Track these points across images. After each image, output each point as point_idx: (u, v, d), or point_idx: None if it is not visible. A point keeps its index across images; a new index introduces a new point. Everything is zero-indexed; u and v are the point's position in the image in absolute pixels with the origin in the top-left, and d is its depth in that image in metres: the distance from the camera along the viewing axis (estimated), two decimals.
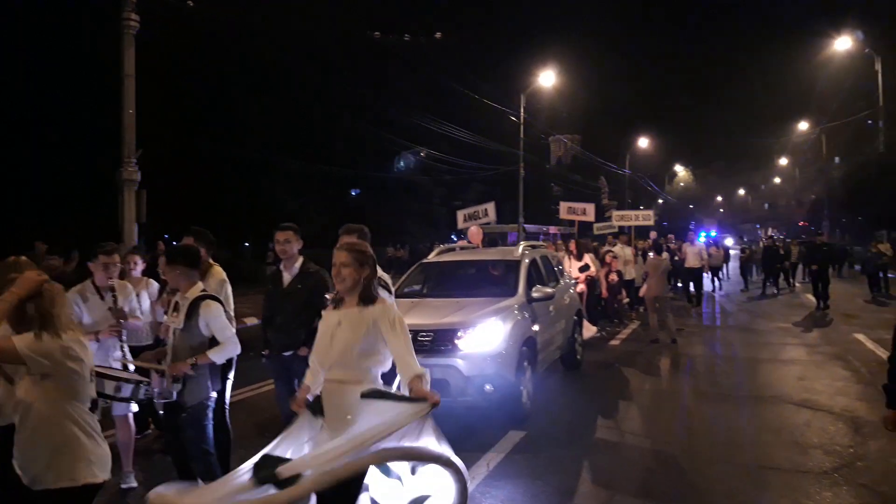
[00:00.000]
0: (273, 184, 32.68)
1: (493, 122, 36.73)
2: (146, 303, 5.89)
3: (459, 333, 6.34)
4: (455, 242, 17.34)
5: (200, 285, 4.38)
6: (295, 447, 3.15)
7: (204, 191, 31.28)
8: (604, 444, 6.08)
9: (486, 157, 38.07)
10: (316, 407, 3.32)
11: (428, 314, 6.78)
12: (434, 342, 6.33)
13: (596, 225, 19.86)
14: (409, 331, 6.21)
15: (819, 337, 11.85)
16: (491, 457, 5.61)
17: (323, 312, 3.53)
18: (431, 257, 8.86)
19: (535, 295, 7.46)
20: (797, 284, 21.77)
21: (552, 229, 36.12)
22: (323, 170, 32.47)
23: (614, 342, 11.61)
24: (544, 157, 46.20)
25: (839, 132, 41.66)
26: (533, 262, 8.30)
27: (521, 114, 32.66)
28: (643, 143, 57.36)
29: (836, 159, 46.57)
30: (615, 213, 22.04)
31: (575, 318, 9.35)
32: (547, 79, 32.84)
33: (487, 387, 6.18)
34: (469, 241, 10.31)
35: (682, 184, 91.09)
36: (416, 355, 6.30)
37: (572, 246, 12.48)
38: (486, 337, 6.37)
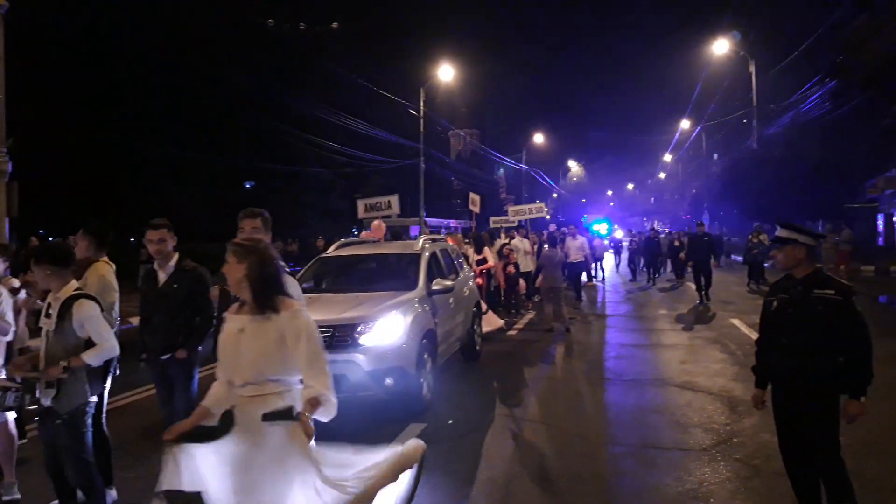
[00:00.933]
0: (161, 176, 31.13)
1: (394, 116, 36.64)
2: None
3: (359, 328, 6.32)
4: (356, 236, 17.13)
5: (74, 284, 4.10)
6: (195, 477, 2.91)
7: (85, 183, 29.40)
8: (502, 432, 6.21)
9: (387, 151, 37.92)
10: (226, 422, 3.00)
11: (327, 309, 6.67)
12: (333, 338, 6.25)
13: (492, 219, 20.24)
14: None
15: (699, 323, 12.62)
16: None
17: (225, 315, 3.18)
18: (331, 251, 8.77)
19: (435, 288, 7.52)
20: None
21: (453, 223, 36.55)
22: (214, 161, 31.19)
23: (512, 332, 11.88)
24: (445, 152, 46.55)
25: (717, 130, 44.58)
26: (433, 256, 8.37)
27: (421, 107, 32.76)
28: (538, 138, 59.02)
29: (715, 155, 49.79)
30: (511, 208, 22.54)
31: (474, 309, 9.47)
32: (446, 73, 33.10)
33: (388, 380, 6.21)
34: (371, 234, 10.28)
35: (574, 178, 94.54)
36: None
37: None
38: (386, 331, 6.37)
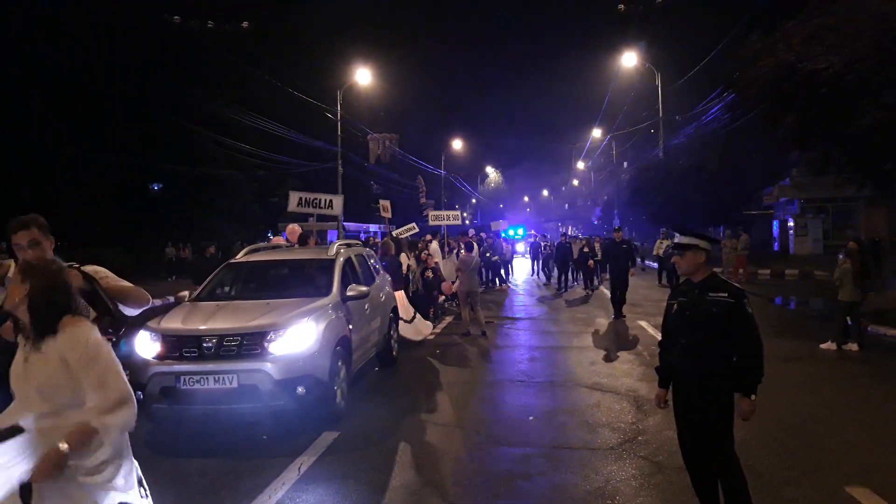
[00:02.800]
0: (60, 177, 29.37)
1: (311, 119, 36.02)
2: None
3: (269, 336, 6.13)
4: (270, 240, 16.55)
5: None
6: None
7: None
8: (416, 437, 6.18)
9: (304, 154, 37.23)
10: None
11: (235, 317, 6.50)
12: (241, 346, 6.08)
13: (395, 231, 19.88)
14: (214, 335, 6.15)
15: (608, 325, 13.04)
16: (303, 460, 5.48)
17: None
18: (240, 257, 8.47)
19: (349, 294, 7.39)
20: (602, 287, 20.93)
21: (373, 227, 36.30)
22: (117, 162, 29.66)
23: (430, 336, 11.89)
24: (363, 155, 46.20)
25: (627, 139, 46.32)
26: (348, 261, 8.24)
27: (339, 110, 32.45)
28: (457, 144, 59.59)
29: (625, 163, 51.72)
30: (431, 213, 22.56)
31: (391, 315, 9.40)
32: (363, 77, 32.94)
33: (300, 389, 6.02)
34: (278, 240, 9.96)
35: (493, 184, 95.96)
36: (219, 362, 5.90)
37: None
38: (297, 339, 6.20)
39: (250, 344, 6.09)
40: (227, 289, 7.95)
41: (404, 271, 12.47)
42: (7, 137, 25.56)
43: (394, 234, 19.45)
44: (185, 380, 5.97)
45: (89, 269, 3.48)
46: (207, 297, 7.49)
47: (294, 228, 11.36)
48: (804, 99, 12.17)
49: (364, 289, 7.66)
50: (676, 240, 4.10)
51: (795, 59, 11.95)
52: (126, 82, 30.09)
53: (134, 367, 6.19)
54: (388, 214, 18.00)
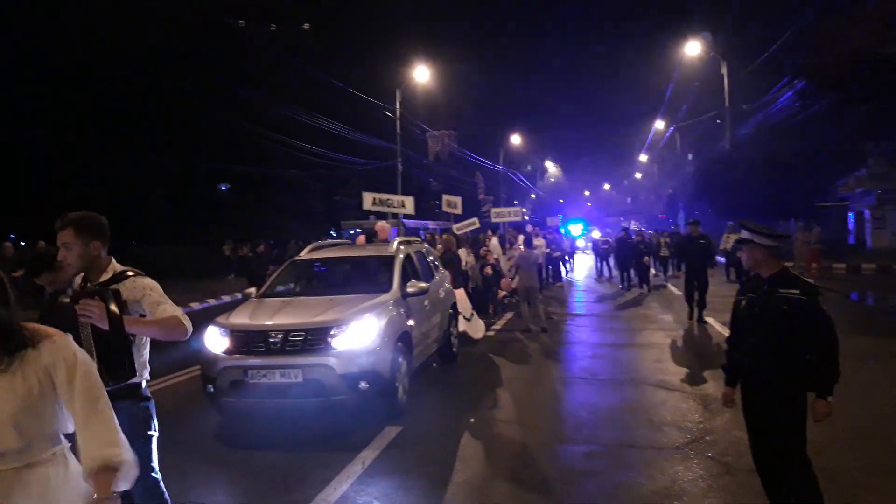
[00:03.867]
0: (136, 180, 30.73)
1: (370, 118, 36.53)
2: None
3: (332, 331, 6.25)
4: (334, 238, 16.80)
5: None
6: None
7: (63, 188, 29.01)
8: (477, 433, 6.20)
9: (364, 153, 37.81)
10: None
11: (299, 313, 6.66)
12: (306, 341, 6.23)
13: (455, 226, 19.87)
14: (280, 330, 6.31)
15: (674, 322, 12.74)
16: (366, 455, 5.57)
17: None
18: (303, 254, 8.67)
19: (409, 290, 7.46)
20: (668, 284, 20.00)
21: (431, 224, 36.52)
22: (185, 164, 30.85)
23: (489, 333, 11.89)
24: (422, 153, 46.52)
25: (692, 130, 45.08)
26: (407, 258, 8.31)
27: (398, 108, 32.70)
28: (516, 139, 59.24)
29: (690, 156, 50.35)
30: (494, 210, 22.50)
31: (451, 311, 9.46)
32: (422, 75, 33.07)
33: (362, 384, 6.12)
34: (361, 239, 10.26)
35: (552, 179, 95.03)
36: (286, 356, 6.00)
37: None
38: (360, 334, 6.30)
39: (314, 339, 6.24)
40: (292, 285, 8.17)
41: (464, 267, 12.51)
42: (86, 143, 26.86)
43: (454, 228, 19.52)
44: (252, 374, 6.17)
45: (139, 283, 3.22)
46: (273, 293, 7.72)
47: (384, 226, 11.65)
48: (882, 85, 11.61)
49: (424, 285, 7.72)
50: (741, 234, 3.97)
51: (874, 43, 11.40)
52: (196, 86, 31.17)
53: (204, 362, 6.50)
54: (458, 210, 17.95)
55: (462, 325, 10.47)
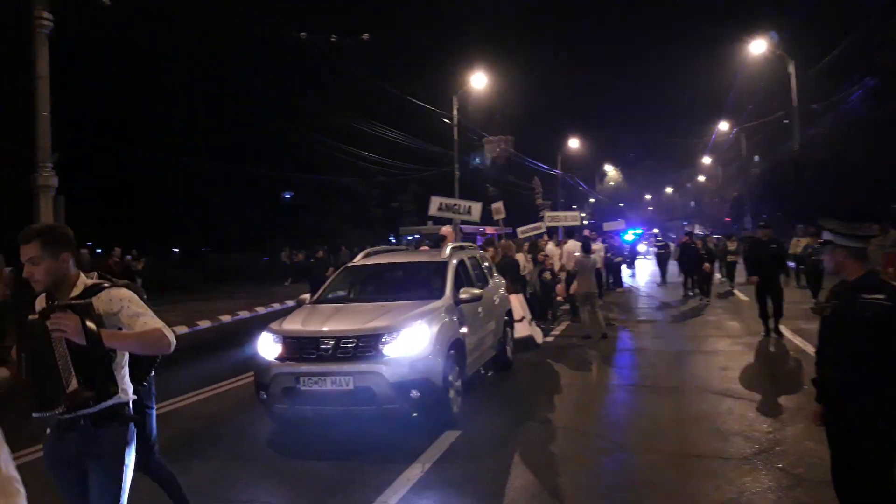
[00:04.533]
0: (201, 188, 31.85)
1: (427, 124, 36.82)
2: None
3: (384, 338, 6.18)
4: (392, 244, 16.92)
5: None
6: None
7: (125, 196, 30.30)
8: (536, 439, 6.15)
9: (421, 159, 38.13)
10: None
11: (351, 319, 6.64)
12: (357, 348, 6.17)
13: (519, 230, 19.82)
14: (331, 337, 6.30)
15: (741, 329, 12.34)
16: (423, 462, 5.58)
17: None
18: (357, 260, 8.64)
19: (462, 297, 7.32)
20: (735, 291, 19.11)
21: (489, 230, 36.49)
22: (251, 173, 31.85)
23: (548, 339, 11.78)
24: (479, 158, 46.53)
25: (757, 131, 43.66)
26: (461, 264, 8.20)
27: (455, 115, 32.83)
28: (574, 143, 58.60)
29: (756, 157, 48.77)
30: (548, 214, 22.37)
31: (506, 318, 9.32)
32: (479, 81, 33.11)
33: (414, 392, 6.01)
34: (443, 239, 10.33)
35: (612, 183, 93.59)
36: (338, 363, 6.21)
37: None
38: (411, 341, 6.20)
39: (365, 346, 6.17)
40: (345, 291, 8.17)
41: (522, 273, 12.43)
42: (159, 155, 27.97)
43: (519, 232, 19.52)
44: (304, 381, 6.12)
45: (116, 294, 2.90)
46: (326, 299, 7.71)
47: (449, 230, 11.78)
48: None
49: (477, 291, 7.56)
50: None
51: None
52: (259, 97, 32.14)
53: (257, 369, 6.54)
54: (502, 215, 18.00)
55: (525, 330, 10.43)
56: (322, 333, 6.35)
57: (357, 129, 33.82)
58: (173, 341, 2.89)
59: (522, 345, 10.37)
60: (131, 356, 3.00)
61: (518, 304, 10.57)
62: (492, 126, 49.40)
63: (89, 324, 2.71)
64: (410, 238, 31.94)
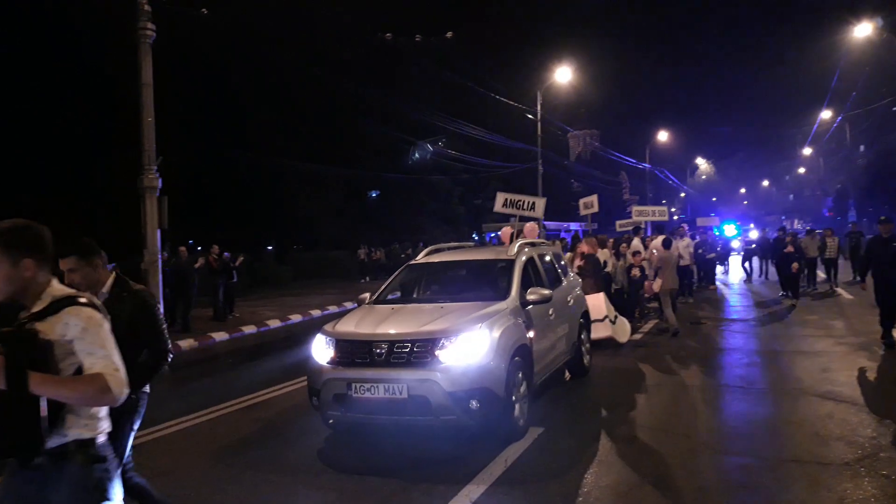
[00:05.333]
0: (290, 188, 33.10)
1: (510, 120, 36.75)
2: None
3: (441, 343, 5.70)
4: (475, 242, 17.00)
5: None
6: None
7: (221, 197, 31.81)
8: (621, 438, 6.05)
9: (504, 155, 38.11)
10: None
11: (407, 322, 6.19)
12: (412, 354, 5.72)
13: (618, 222, 19.68)
14: (385, 341, 5.88)
15: (844, 328, 11.67)
16: (508, 454, 5.60)
17: None
18: (419, 258, 8.14)
19: (530, 298, 6.72)
20: (837, 289, 17.92)
21: (573, 226, 36.03)
22: (339, 172, 32.80)
23: (635, 336, 11.53)
24: (564, 154, 46.02)
25: (863, 119, 41.00)
26: (530, 262, 7.60)
27: (538, 110, 32.58)
28: (663, 136, 56.89)
29: (861, 147, 45.82)
30: (634, 209, 21.87)
31: (581, 320, 8.70)
32: (563, 75, 32.69)
33: (473, 403, 5.53)
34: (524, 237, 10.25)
35: (703, 176, 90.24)
36: (391, 369, 5.81)
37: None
38: (470, 347, 5.69)
39: (421, 351, 5.71)
40: (405, 291, 7.78)
41: (609, 269, 12.22)
42: (255, 157, 29.25)
43: (617, 225, 19.27)
44: (356, 387, 5.71)
45: (78, 317, 2.38)
46: (385, 299, 7.32)
47: (532, 227, 11.72)
48: None
49: (546, 292, 6.88)
50: None
51: None
52: (349, 99, 33.05)
53: (310, 372, 6.16)
54: (594, 209, 17.70)
55: (604, 331, 10.15)
56: (375, 336, 5.93)
57: (440, 126, 34.15)
58: (120, 393, 2.34)
59: (605, 344, 10.17)
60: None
61: (599, 303, 10.30)
62: (577, 120, 48.76)
63: (24, 359, 2.22)
64: (492, 235, 31.95)
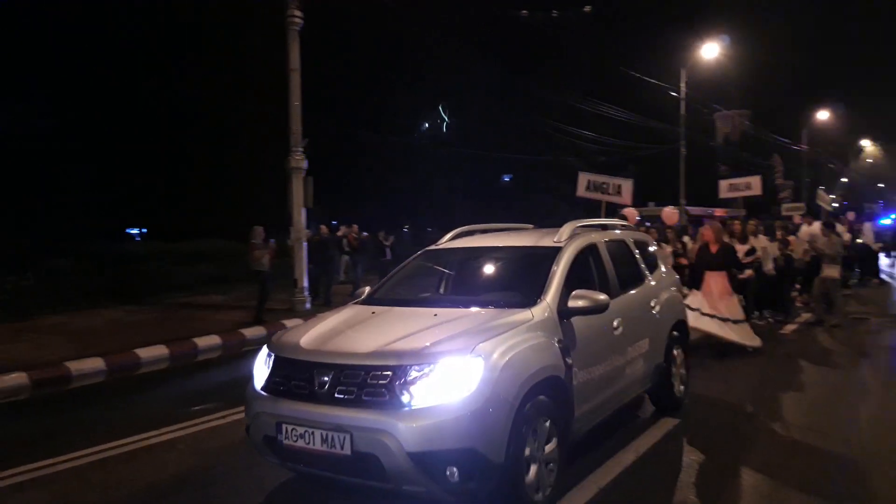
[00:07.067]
0: (427, 170, 33.85)
1: (650, 100, 35.25)
2: None
3: (410, 373, 3.75)
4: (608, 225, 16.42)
5: None
6: None
7: (361, 177, 33.08)
8: (764, 436, 5.64)
9: (644, 137, 36.68)
10: None
11: (376, 334, 4.27)
12: (364, 386, 3.82)
13: (784, 206, 18.37)
14: (330, 365, 4.00)
15: None
16: (633, 451, 5.38)
17: None
18: (441, 243, 6.17)
19: (573, 304, 4.56)
20: None
21: (718, 211, 34.09)
22: (472, 155, 33.10)
23: (784, 331, 10.74)
24: (709, 135, 43.48)
25: None
26: (588, 253, 5.42)
27: (683, 89, 30.94)
28: (823, 116, 52.19)
29: None
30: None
31: (675, 333, 6.40)
32: (710, 51, 30.79)
33: (450, 471, 3.63)
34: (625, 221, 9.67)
35: (869, 160, 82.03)
36: (331, 408, 3.85)
37: (736, 227, 11.60)
38: (451, 382, 3.71)
39: (376, 384, 3.80)
40: (408, 286, 5.82)
41: (756, 257, 11.21)
42: (389, 137, 30.21)
43: (784, 209, 18.08)
44: (287, 430, 3.96)
45: None
46: (381, 296, 5.45)
47: (632, 212, 11.17)
48: None
49: (601, 297, 4.64)
50: None
51: None
52: (482, 79, 33.17)
53: (246, 398, 4.39)
54: (754, 191, 16.43)
55: (730, 334, 8.82)
56: (320, 356, 4.10)
57: (576, 107, 33.44)
58: None
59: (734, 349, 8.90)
60: None
61: (732, 305, 9.05)
62: (725, 100, 45.85)
63: None
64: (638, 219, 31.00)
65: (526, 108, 34.64)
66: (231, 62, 24.81)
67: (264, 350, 4.49)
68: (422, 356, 3.82)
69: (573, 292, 4.63)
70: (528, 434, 3.93)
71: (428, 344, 3.93)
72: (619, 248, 6.07)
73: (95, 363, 8.88)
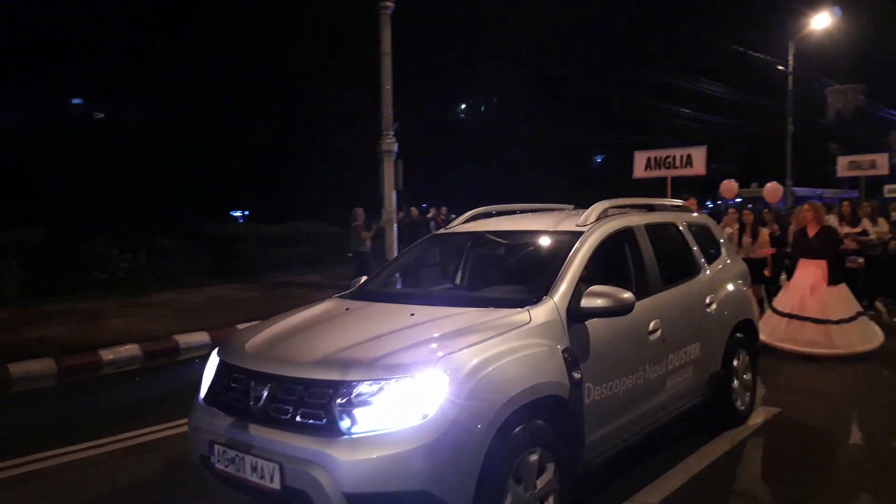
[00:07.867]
0: (517, 151, 33.67)
1: (755, 74, 33.48)
2: None
3: (355, 391, 2.98)
4: (709, 208, 15.64)
5: None
6: None
7: (451, 159, 33.26)
8: (865, 435, 5.33)
9: (746, 113, 34.95)
10: None
11: (329, 338, 3.58)
12: (300, 405, 3.09)
13: (887, 187, 16.97)
14: (268, 375, 3.29)
15: None
16: (729, 440, 5.22)
17: None
18: (452, 226, 5.36)
19: (588, 304, 3.68)
20: None
21: (828, 192, 32.13)
22: (563, 135, 32.66)
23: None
24: (819, 112, 40.84)
25: None
26: (619, 239, 4.50)
27: (790, 62, 29.15)
28: None
29: None
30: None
31: (738, 335, 5.36)
32: (821, 21, 28.81)
33: None
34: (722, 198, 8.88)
35: None
36: (265, 429, 3.17)
37: (845, 209, 10.87)
38: (405, 404, 2.94)
39: (314, 403, 3.06)
40: (404, 276, 5.25)
41: (867, 240, 10.43)
42: (475, 119, 30.20)
43: (886, 190, 16.80)
44: (218, 452, 3.32)
45: None
46: (375, 287, 4.83)
47: (731, 185, 10.25)
48: None
49: (623, 296, 3.68)
50: None
51: None
52: (575, 58, 32.56)
53: (190, 407, 3.74)
54: (880, 170, 15.08)
55: (822, 346, 7.57)
56: (260, 364, 3.40)
57: (674, 84, 32.23)
58: None
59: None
60: None
61: (843, 296, 7.88)
62: (837, 74, 42.87)
63: None
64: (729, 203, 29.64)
65: (623, 87, 33.76)
66: (325, 49, 25.44)
67: (213, 353, 3.80)
68: (371, 369, 3.04)
69: (588, 289, 3.73)
70: (508, 473, 3.08)
71: (381, 354, 3.15)
72: (665, 233, 5.11)
73: (202, 336, 9.54)
